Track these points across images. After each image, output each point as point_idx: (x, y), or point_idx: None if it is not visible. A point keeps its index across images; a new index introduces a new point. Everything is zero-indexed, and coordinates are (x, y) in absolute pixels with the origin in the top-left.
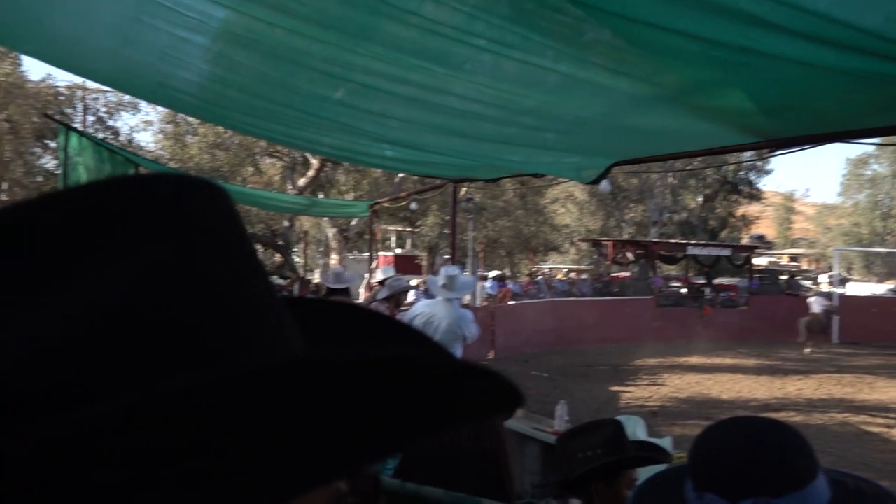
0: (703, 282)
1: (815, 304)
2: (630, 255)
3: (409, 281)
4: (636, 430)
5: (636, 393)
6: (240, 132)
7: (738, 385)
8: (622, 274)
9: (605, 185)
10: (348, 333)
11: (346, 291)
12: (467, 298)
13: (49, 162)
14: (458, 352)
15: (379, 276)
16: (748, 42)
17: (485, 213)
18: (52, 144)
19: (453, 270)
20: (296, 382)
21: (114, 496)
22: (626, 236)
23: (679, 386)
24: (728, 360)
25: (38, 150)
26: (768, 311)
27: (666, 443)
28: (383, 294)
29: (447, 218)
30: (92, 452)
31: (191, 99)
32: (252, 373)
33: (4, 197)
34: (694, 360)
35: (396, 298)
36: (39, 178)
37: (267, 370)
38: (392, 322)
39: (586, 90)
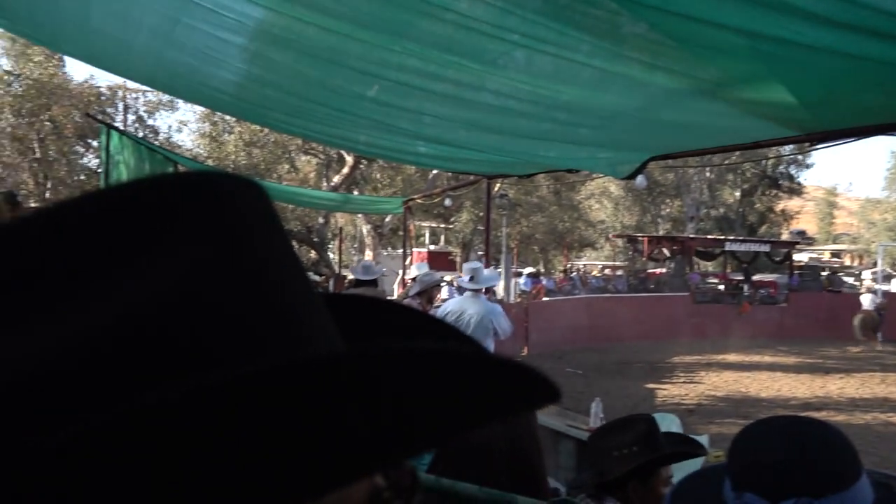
0: (741, 278)
1: (867, 301)
2: (666, 251)
3: (441, 276)
4: (671, 427)
5: (672, 390)
6: (276, 130)
7: (778, 383)
8: (658, 270)
9: (640, 180)
10: (383, 328)
11: (374, 283)
12: (500, 294)
13: (91, 161)
14: (490, 347)
15: (413, 272)
16: (792, 35)
17: (519, 210)
18: (94, 144)
19: (475, 265)
20: (338, 377)
21: (175, 486)
22: (661, 232)
23: (716, 384)
24: (767, 358)
25: (81, 150)
26: (809, 308)
27: (702, 441)
28: (415, 290)
29: (481, 214)
30: (151, 443)
31: (229, 98)
32: (298, 367)
33: (49, 195)
34: (731, 357)
35: (428, 294)
36: (82, 177)
37: (312, 364)
38: (426, 317)
39: (621, 85)
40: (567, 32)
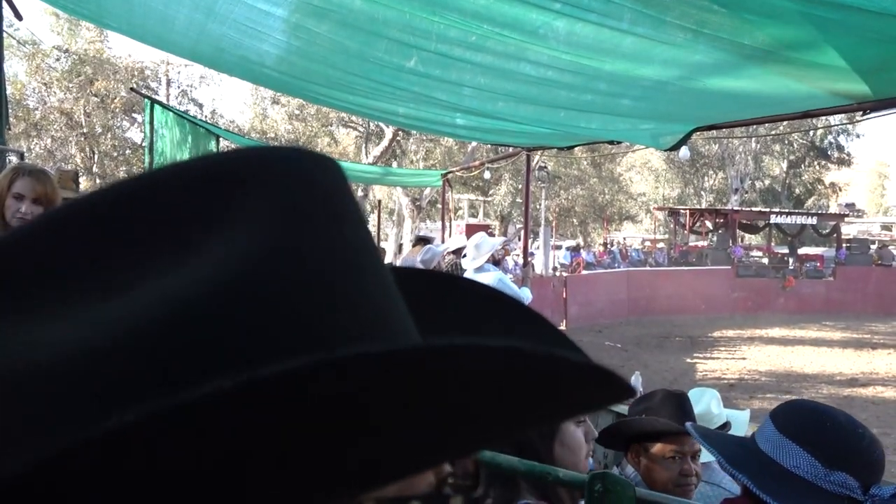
0: (786, 251)
1: None
2: (709, 224)
3: (444, 249)
4: (710, 403)
5: (713, 365)
6: (317, 104)
7: (822, 358)
8: (700, 243)
9: (684, 151)
10: (453, 309)
11: (430, 240)
12: (539, 269)
13: (136, 134)
14: None
15: (451, 244)
16: None
17: (558, 182)
18: (139, 118)
19: (476, 239)
20: (419, 368)
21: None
22: (704, 205)
23: (758, 359)
24: (812, 333)
25: (126, 124)
26: (857, 283)
27: (744, 416)
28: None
29: (520, 187)
30: (236, 421)
31: (270, 71)
32: (379, 357)
33: (95, 168)
34: (775, 332)
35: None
36: (127, 151)
37: (393, 355)
38: (493, 294)
39: (665, 54)
40: (610, 0)
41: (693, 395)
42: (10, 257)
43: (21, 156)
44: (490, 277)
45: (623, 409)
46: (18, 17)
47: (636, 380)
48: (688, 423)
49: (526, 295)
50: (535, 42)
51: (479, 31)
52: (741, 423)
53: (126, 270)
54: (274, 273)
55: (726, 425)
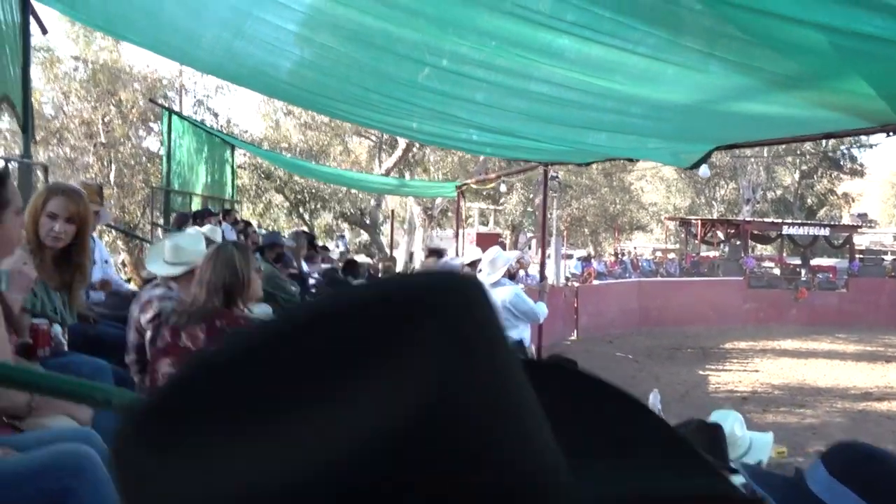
0: (798, 262)
1: None
2: (720, 235)
3: (461, 264)
4: (734, 426)
5: (725, 377)
6: (335, 118)
7: (836, 371)
8: (712, 254)
9: (704, 170)
10: (602, 429)
11: (442, 252)
12: (550, 279)
13: (152, 143)
14: (526, 333)
15: (467, 257)
16: (876, 30)
17: (569, 191)
18: (155, 127)
19: (492, 254)
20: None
21: None
22: (716, 215)
23: (771, 371)
24: (825, 346)
25: (142, 133)
26: (870, 295)
27: (767, 438)
28: None
29: (531, 196)
30: None
31: (289, 87)
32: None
33: (112, 177)
34: (788, 344)
35: None
36: (143, 159)
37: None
38: (647, 416)
39: (689, 78)
40: (639, 27)
41: (716, 417)
42: (220, 382)
43: (45, 169)
44: (506, 292)
45: None
46: (44, 30)
47: (654, 397)
48: (739, 462)
49: (542, 310)
50: (561, 65)
51: (502, 53)
52: (764, 446)
53: (327, 393)
54: (465, 401)
55: (750, 447)
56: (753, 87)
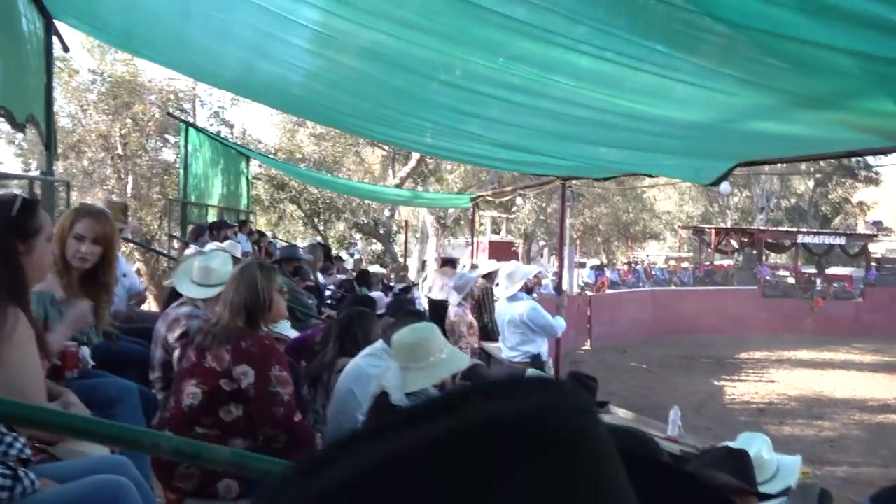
0: (813, 271)
1: None
2: (734, 243)
3: (477, 276)
4: (761, 449)
5: (741, 388)
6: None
7: (853, 382)
8: (725, 263)
9: (725, 186)
10: None
11: (455, 261)
12: (565, 286)
13: (169, 155)
14: (543, 347)
15: (483, 269)
16: None
17: (582, 200)
18: (171, 139)
19: (510, 267)
20: None
21: None
22: (730, 223)
23: (787, 382)
24: (841, 356)
25: (159, 145)
26: (888, 304)
27: (795, 462)
28: (456, 299)
29: (543, 205)
30: None
31: (305, 103)
32: None
33: (130, 189)
34: (803, 354)
35: (471, 296)
36: (160, 171)
37: None
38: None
39: (713, 98)
40: (670, 53)
41: (743, 440)
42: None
43: (67, 185)
44: (524, 307)
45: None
46: (65, 48)
47: (675, 414)
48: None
49: (560, 325)
50: (585, 86)
51: (515, 70)
52: (792, 470)
53: None
54: None
55: (777, 471)
56: (777, 106)
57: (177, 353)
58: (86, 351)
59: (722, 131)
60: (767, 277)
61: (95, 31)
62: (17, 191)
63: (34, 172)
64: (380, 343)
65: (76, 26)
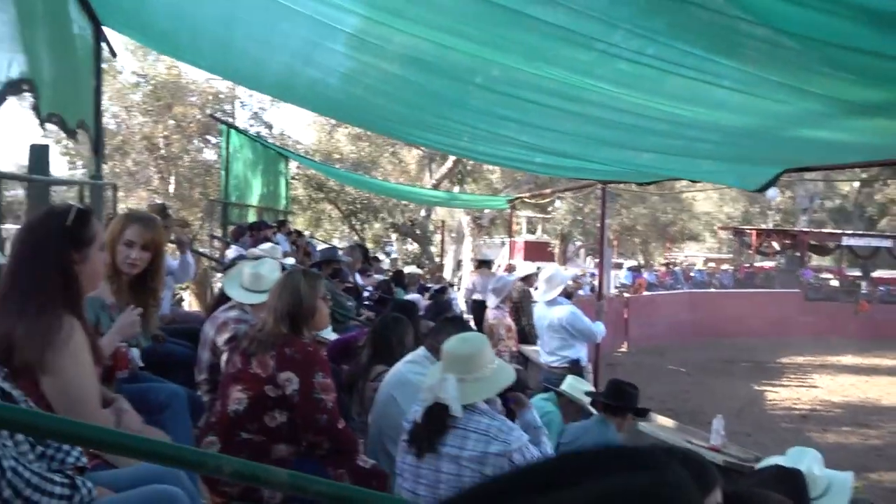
0: (858, 274)
1: None
2: (776, 245)
3: (514, 279)
4: (812, 465)
5: (783, 393)
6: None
7: None
8: (767, 265)
9: (772, 192)
10: None
11: (491, 262)
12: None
13: (210, 156)
14: (583, 352)
15: (521, 271)
16: None
17: (619, 200)
18: (212, 140)
19: (549, 271)
20: None
21: None
22: (771, 224)
23: (831, 388)
24: (888, 361)
25: (201, 146)
26: None
27: (846, 478)
28: (493, 302)
29: (580, 205)
30: None
31: (348, 108)
32: None
33: (171, 188)
34: (847, 359)
35: (510, 299)
36: (200, 171)
37: None
38: None
39: (762, 105)
40: (720, 61)
41: (793, 455)
42: None
43: (115, 187)
44: (563, 311)
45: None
46: (113, 53)
47: (718, 423)
48: None
49: (600, 329)
50: (627, 92)
51: (555, 75)
52: (843, 488)
53: None
54: None
55: (829, 489)
56: (828, 114)
57: (224, 356)
58: (135, 352)
59: (769, 137)
60: (810, 280)
61: (142, 36)
62: (70, 200)
63: (80, 172)
64: (421, 350)
65: (124, 32)
